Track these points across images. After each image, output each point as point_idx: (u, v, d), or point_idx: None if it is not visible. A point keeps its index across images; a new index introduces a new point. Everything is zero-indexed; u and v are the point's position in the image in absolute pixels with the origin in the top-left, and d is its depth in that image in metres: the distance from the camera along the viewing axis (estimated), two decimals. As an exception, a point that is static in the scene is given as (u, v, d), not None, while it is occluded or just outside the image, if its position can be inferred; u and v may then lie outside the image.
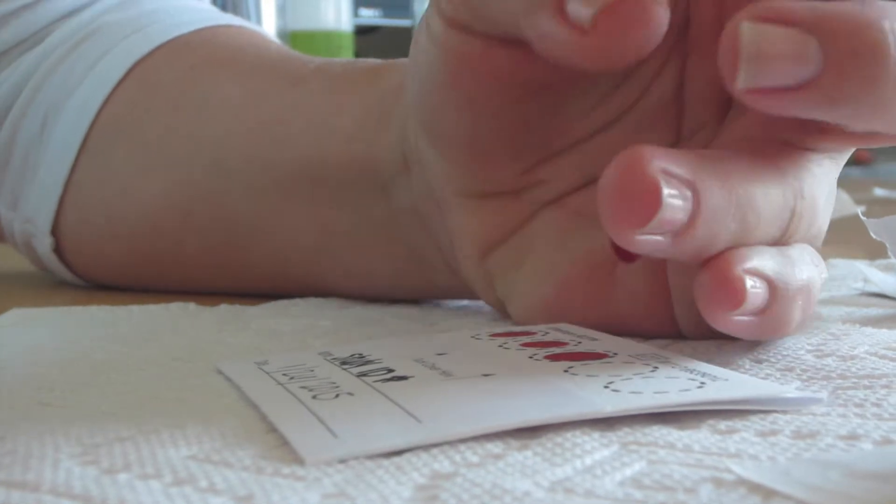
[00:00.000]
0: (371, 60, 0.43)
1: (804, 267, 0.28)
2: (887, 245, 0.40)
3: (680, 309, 0.31)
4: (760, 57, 0.24)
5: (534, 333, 0.32)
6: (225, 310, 0.40)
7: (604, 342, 0.30)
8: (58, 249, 0.49)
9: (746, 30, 0.24)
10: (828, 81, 0.24)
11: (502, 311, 0.36)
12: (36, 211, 0.49)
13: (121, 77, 0.49)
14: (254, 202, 0.43)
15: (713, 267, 0.26)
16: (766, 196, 0.27)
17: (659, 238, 0.25)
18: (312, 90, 0.43)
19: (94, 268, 0.49)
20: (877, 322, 0.35)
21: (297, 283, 0.43)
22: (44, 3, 0.52)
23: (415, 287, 0.41)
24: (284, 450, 0.22)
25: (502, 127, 0.33)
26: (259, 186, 0.43)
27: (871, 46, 0.24)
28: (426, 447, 0.21)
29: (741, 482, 0.19)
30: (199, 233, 0.45)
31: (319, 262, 0.42)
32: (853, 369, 0.27)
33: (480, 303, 0.41)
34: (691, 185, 0.25)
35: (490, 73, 0.32)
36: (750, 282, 0.26)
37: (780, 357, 0.29)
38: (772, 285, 0.27)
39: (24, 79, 0.51)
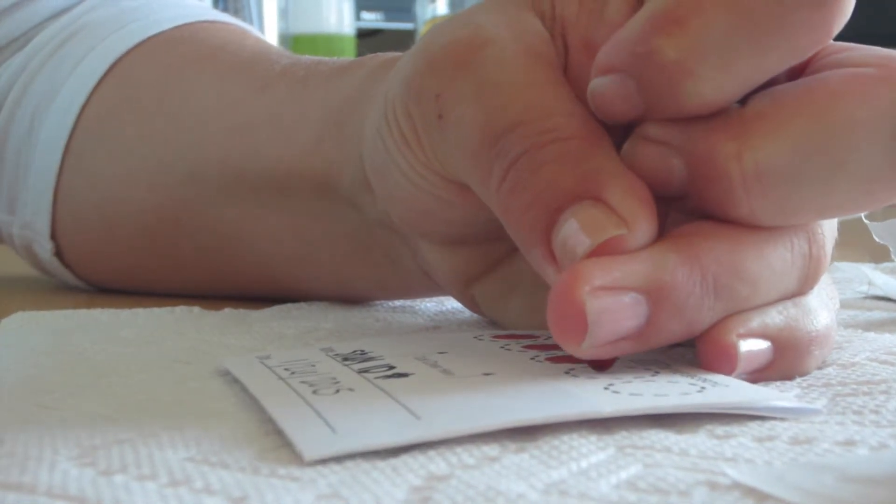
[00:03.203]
0: (338, 60, 0.43)
1: (821, 314, 0.28)
2: (891, 248, 0.40)
3: None
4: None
5: (536, 337, 0.32)
6: (229, 313, 0.40)
7: (604, 346, 0.30)
8: (58, 253, 0.49)
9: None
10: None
11: (489, 319, 0.37)
12: (33, 216, 0.49)
13: (101, 76, 0.49)
14: (233, 208, 0.43)
15: (706, 334, 0.26)
16: (764, 260, 0.26)
17: (619, 343, 0.25)
18: (277, 96, 0.42)
19: (96, 271, 0.50)
20: (880, 326, 0.35)
21: (285, 288, 0.43)
22: (34, 2, 0.52)
23: (394, 288, 0.41)
24: (282, 451, 0.22)
25: (481, 229, 0.33)
26: (236, 195, 0.43)
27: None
28: (423, 448, 0.21)
29: (735, 486, 0.19)
30: (190, 236, 0.45)
31: (301, 268, 0.42)
32: (853, 376, 0.27)
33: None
34: (645, 290, 0.25)
35: (481, 206, 0.31)
36: (747, 346, 0.26)
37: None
38: (777, 342, 0.27)
39: (14, 77, 0.51)
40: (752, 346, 0.26)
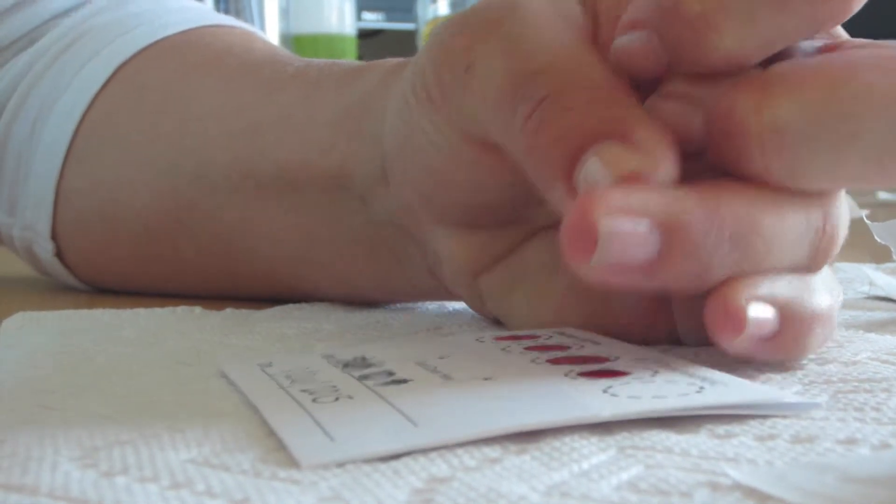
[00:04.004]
0: (350, 62, 0.43)
1: (826, 296, 0.28)
2: (892, 248, 0.40)
3: (682, 322, 0.32)
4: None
5: (538, 337, 0.32)
6: (231, 314, 0.40)
7: (606, 346, 0.30)
8: (59, 254, 0.49)
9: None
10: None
11: (492, 319, 0.37)
12: (34, 217, 0.49)
13: (105, 80, 0.49)
14: (238, 210, 0.43)
15: (716, 294, 0.26)
16: (781, 221, 0.27)
17: (632, 274, 0.25)
18: (290, 98, 0.42)
19: (96, 272, 0.50)
20: (881, 326, 0.35)
21: (286, 288, 0.43)
22: (35, 3, 0.52)
23: (398, 290, 0.41)
24: (283, 453, 0.22)
25: (496, 198, 0.33)
26: (241, 194, 0.43)
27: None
28: (425, 451, 0.21)
29: (737, 486, 0.19)
30: (192, 238, 0.45)
31: (304, 268, 0.42)
32: (854, 373, 0.27)
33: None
34: (661, 222, 0.25)
35: (499, 169, 0.32)
36: (755, 310, 0.26)
37: (781, 363, 0.29)
38: (783, 313, 0.27)
39: (18, 79, 0.51)
40: (759, 313, 0.26)
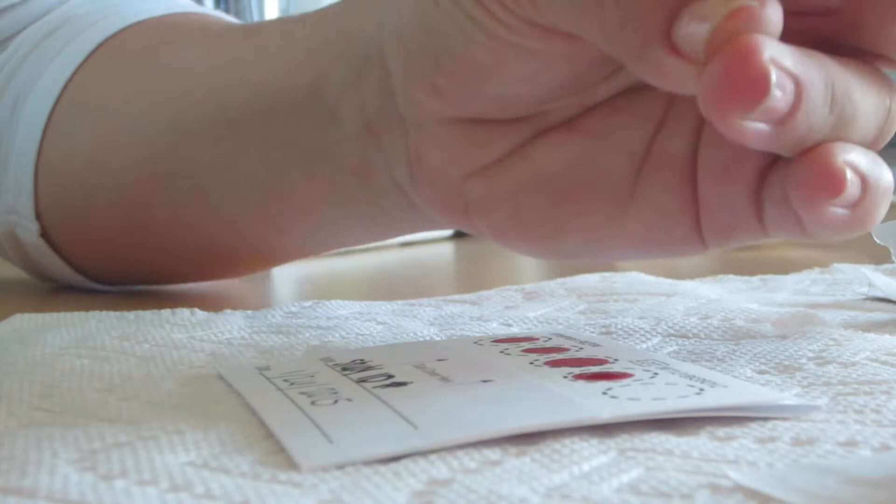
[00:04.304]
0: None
1: (888, 169, 0.28)
2: (891, 250, 0.40)
3: (708, 219, 0.31)
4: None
5: (536, 339, 0.32)
6: (229, 314, 0.40)
7: (605, 348, 0.30)
8: (44, 235, 0.49)
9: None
10: None
11: (452, 223, 0.35)
12: (16, 198, 0.49)
13: (85, 57, 0.49)
14: (211, 151, 0.43)
15: (814, 156, 0.26)
16: (864, 92, 0.27)
17: (762, 126, 0.25)
18: (270, 33, 0.42)
19: (80, 249, 0.50)
20: (880, 327, 0.35)
21: (255, 229, 0.44)
22: (23, 5, 0.53)
23: (364, 215, 0.40)
24: (282, 456, 0.22)
25: (528, 89, 0.31)
26: (215, 135, 0.43)
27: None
28: (424, 453, 0.21)
29: (738, 488, 0.19)
30: (165, 193, 0.45)
31: (273, 205, 0.42)
32: (854, 375, 0.27)
33: (485, 310, 0.41)
34: (794, 77, 0.25)
35: (554, 56, 0.30)
36: (849, 172, 0.26)
37: (781, 364, 0.29)
38: (864, 181, 0.27)
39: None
40: (853, 177, 0.26)
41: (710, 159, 0.30)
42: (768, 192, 0.29)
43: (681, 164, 0.31)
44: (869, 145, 0.28)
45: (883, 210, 0.28)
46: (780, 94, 0.25)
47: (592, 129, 0.32)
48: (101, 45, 0.49)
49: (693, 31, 0.25)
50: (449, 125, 0.33)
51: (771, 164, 0.29)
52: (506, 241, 0.34)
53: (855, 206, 0.27)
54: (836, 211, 0.27)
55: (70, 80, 0.49)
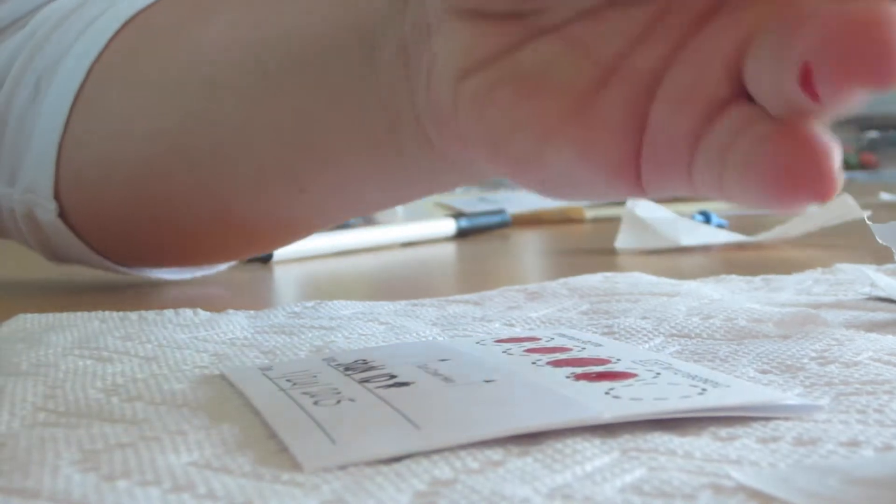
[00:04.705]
0: None
1: None
2: (893, 250, 0.40)
3: (648, 148, 0.30)
4: None
5: (538, 339, 0.32)
6: (232, 314, 0.40)
7: (608, 348, 0.30)
8: (61, 215, 0.49)
9: None
10: None
11: (446, 140, 0.35)
12: (35, 178, 0.49)
13: (117, 29, 0.49)
14: (239, 107, 0.43)
15: (819, 150, 0.25)
16: None
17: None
18: None
19: (96, 228, 0.50)
20: (882, 327, 0.35)
21: (274, 188, 0.44)
22: None
23: (387, 166, 0.40)
24: (284, 456, 0.22)
25: None
26: (248, 90, 0.43)
27: None
28: (427, 453, 0.21)
29: (740, 488, 0.19)
30: (184, 156, 0.45)
31: (295, 157, 0.42)
32: (856, 375, 0.27)
33: (488, 310, 0.41)
34: None
35: None
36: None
37: (783, 364, 0.29)
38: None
39: (15, 54, 0.51)
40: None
41: (674, 81, 0.30)
42: (708, 137, 0.28)
43: (644, 85, 0.30)
44: None
45: None
46: None
47: (571, 34, 0.32)
48: (130, 19, 0.49)
49: None
50: (460, 18, 0.32)
51: (725, 104, 0.28)
52: (469, 144, 0.33)
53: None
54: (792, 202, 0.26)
55: (98, 57, 0.49)
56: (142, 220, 0.48)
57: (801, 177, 0.25)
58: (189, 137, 0.45)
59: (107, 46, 0.49)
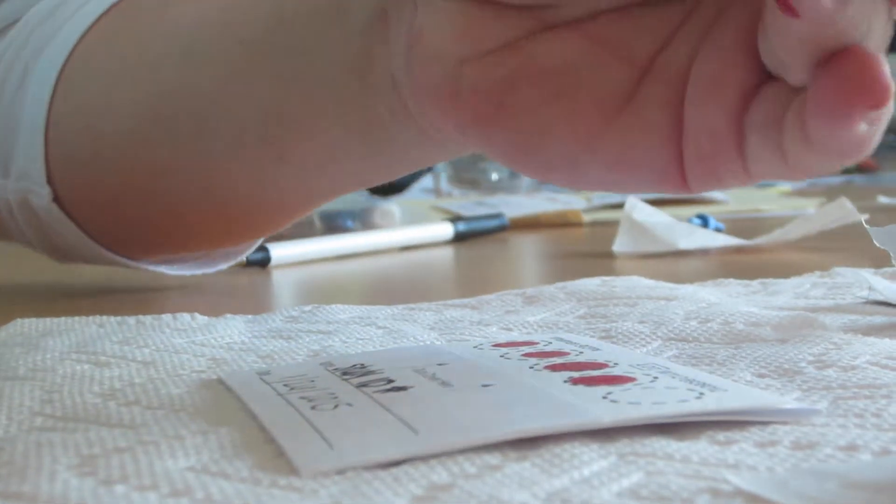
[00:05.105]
0: None
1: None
2: (891, 253, 0.40)
3: (690, 145, 0.30)
4: None
5: (536, 343, 0.32)
6: (230, 319, 0.40)
7: (605, 352, 0.30)
8: (55, 200, 0.49)
9: None
10: None
11: (437, 112, 0.33)
12: (26, 164, 0.49)
13: (99, 15, 0.49)
14: (216, 76, 0.43)
15: (862, 58, 0.26)
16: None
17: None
18: None
19: (89, 210, 0.50)
20: (880, 331, 0.35)
21: (254, 157, 0.43)
22: None
23: (365, 136, 0.39)
24: (282, 461, 0.22)
25: None
26: (225, 58, 0.43)
27: None
28: (425, 458, 0.21)
29: (738, 493, 0.19)
30: (166, 129, 0.45)
31: (273, 125, 0.42)
32: (854, 379, 0.27)
33: (485, 314, 0.41)
34: None
35: None
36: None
37: (781, 368, 0.29)
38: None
39: (6, 47, 0.52)
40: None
41: (700, 75, 0.30)
42: (752, 118, 0.28)
43: (677, 83, 0.30)
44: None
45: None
46: None
47: (598, 33, 0.31)
48: (113, 5, 0.50)
49: None
50: (455, 1, 0.31)
51: (756, 88, 0.28)
52: (487, 134, 0.32)
53: (877, 121, 0.26)
54: (860, 128, 0.26)
55: (81, 38, 0.49)
56: (131, 197, 0.49)
57: (855, 86, 0.25)
58: (168, 108, 0.45)
59: (90, 29, 0.49)
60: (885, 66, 0.26)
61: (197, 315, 0.41)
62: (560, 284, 0.46)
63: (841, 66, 0.26)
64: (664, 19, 0.30)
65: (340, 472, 0.21)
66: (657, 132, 0.30)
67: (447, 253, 0.78)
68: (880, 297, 0.42)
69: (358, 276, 0.67)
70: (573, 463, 0.21)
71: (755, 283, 0.48)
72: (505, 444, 0.22)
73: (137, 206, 0.49)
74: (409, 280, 0.66)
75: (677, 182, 0.31)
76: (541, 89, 0.31)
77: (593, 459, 0.21)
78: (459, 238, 0.84)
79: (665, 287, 0.45)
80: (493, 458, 0.21)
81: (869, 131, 0.26)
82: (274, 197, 0.47)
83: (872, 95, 0.25)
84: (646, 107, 0.30)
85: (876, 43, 0.27)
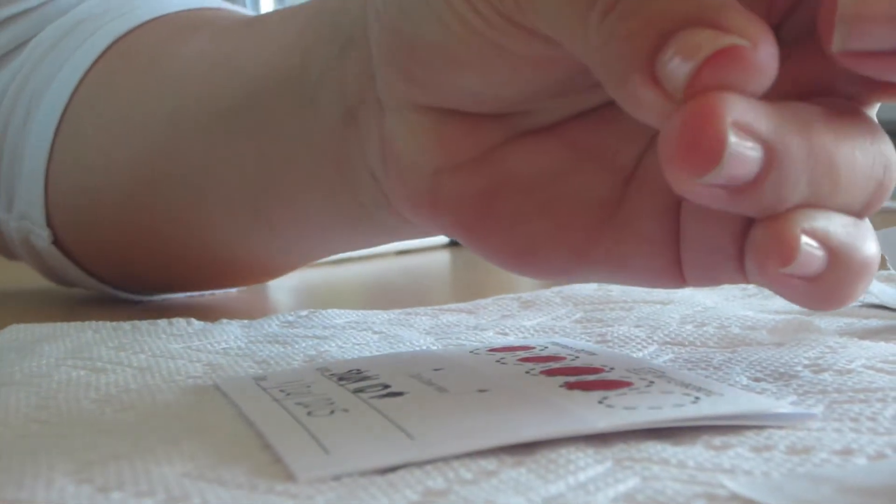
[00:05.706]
0: None
1: (873, 244, 0.26)
2: (887, 257, 0.40)
3: (688, 254, 0.29)
4: (857, 19, 0.23)
5: (532, 348, 0.32)
6: (226, 324, 0.40)
7: (601, 357, 0.30)
8: (56, 242, 0.49)
9: None
10: None
11: (419, 219, 0.33)
12: (28, 205, 0.49)
13: (98, 55, 0.49)
14: (203, 146, 0.43)
15: (771, 220, 0.25)
16: (854, 161, 0.25)
17: (719, 191, 0.24)
18: (270, 21, 0.42)
19: (90, 255, 0.50)
20: (876, 334, 0.35)
21: (249, 228, 0.43)
22: (38, 10, 0.53)
23: (349, 215, 0.38)
24: (278, 467, 0.22)
25: (511, 89, 0.30)
26: (208, 128, 0.42)
27: None
28: (421, 464, 0.21)
29: (734, 497, 0.19)
30: (162, 194, 0.45)
31: (263, 198, 0.41)
32: (849, 383, 0.27)
33: (482, 319, 0.41)
34: (767, 145, 0.24)
35: (525, 61, 0.28)
36: (807, 242, 0.25)
37: (776, 372, 0.29)
38: (833, 254, 0.25)
39: (12, 79, 0.51)
40: (811, 247, 0.25)
41: None
42: (752, 238, 0.27)
43: (665, 191, 0.29)
44: (858, 213, 0.26)
45: (861, 286, 0.26)
46: (740, 162, 0.23)
47: (577, 139, 0.31)
48: (113, 43, 0.49)
49: (676, 67, 0.23)
50: (423, 113, 0.31)
51: None
52: (474, 241, 0.32)
53: (815, 280, 0.25)
54: (792, 281, 0.25)
55: (81, 81, 0.49)
56: (131, 248, 0.48)
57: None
58: (158, 170, 0.45)
59: (89, 71, 0.49)
60: (809, 229, 0.25)
61: (193, 320, 0.41)
62: (556, 289, 0.46)
63: (762, 223, 0.25)
64: (641, 123, 0.28)
65: (336, 477, 0.21)
66: (650, 242, 0.30)
67: (443, 257, 0.78)
68: (876, 301, 0.42)
69: (354, 280, 0.67)
70: (569, 468, 0.21)
71: (751, 287, 0.48)
72: (501, 449, 0.22)
73: (139, 257, 0.49)
74: (406, 285, 0.66)
75: (677, 281, 0.30)
76: (522, 201, 0.31)
77: (589, 465, 0.21)
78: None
79: (661, 291, 0.45)
80: (489, 464, 0.21)
81: (813, 287, 0.25)
82: (270, 260, 0.47)
83: (779, 258, 0.25)
84: (636, 216, 0.30)
85: (844, 202, 0.26)
